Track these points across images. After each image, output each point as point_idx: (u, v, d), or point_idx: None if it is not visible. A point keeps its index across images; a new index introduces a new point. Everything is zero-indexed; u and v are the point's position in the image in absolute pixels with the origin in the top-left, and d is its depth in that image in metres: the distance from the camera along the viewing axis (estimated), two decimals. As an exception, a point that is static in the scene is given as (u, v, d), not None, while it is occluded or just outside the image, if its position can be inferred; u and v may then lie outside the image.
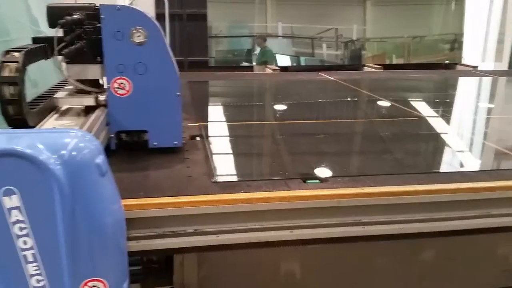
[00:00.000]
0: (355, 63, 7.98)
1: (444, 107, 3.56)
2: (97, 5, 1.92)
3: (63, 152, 1.36)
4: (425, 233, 1.78)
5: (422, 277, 2.35)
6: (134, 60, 1.91)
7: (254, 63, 7.83)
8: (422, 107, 3.41)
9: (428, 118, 3.05)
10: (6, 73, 1.64)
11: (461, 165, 2.28)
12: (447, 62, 7.78)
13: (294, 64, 8.27)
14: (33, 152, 1.32)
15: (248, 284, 2.42)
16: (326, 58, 8.52)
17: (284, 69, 5.93)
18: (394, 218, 1.74)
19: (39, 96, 2.13)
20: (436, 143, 2.63)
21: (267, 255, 2.24)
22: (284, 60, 8.34)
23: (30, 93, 2.28)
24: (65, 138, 1.40)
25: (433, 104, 3.62)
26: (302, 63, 8.48)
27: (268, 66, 6.47)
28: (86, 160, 1.39)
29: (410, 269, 2.33)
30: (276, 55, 8.25)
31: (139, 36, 1.88)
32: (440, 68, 6.18)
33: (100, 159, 1.42)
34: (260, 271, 2.37)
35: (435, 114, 3.21)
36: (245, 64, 7.92)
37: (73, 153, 1.37)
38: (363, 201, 1.70)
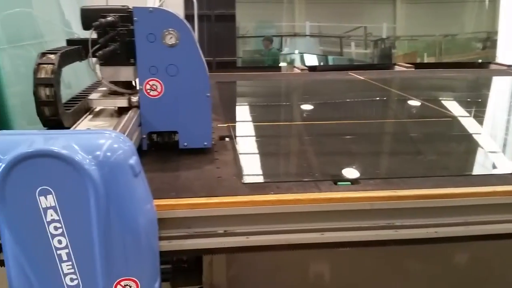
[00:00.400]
0: (385, 62, 7.85)
1: (478, 107, 3.47)
2: (130, 7, 1.95)
3: (98, 153, 1.39)
4: (459, 237, 1.73)
5: (456, 282, 2.30)
6: (166, 61, 1.93)
7: (281, 64, 7.81)
8: (455, 107, 3.33)
9: (461, 119, 2.98)
10: (42, 74, 1.68)
11: (496, 167, 2.21)
12: (480, 61, 7.57)
13: (322, 64, 8.20)
14: (69, 152, 1.34)
15: (276, 286, 2.42)
16: (355, 57, 8.41)
17: (312, 68, 5.88)
18: (428, 222, 1.70)
19: (73, 97, 2.17)
20: (470, 144, 2.56)
21: (297, 257, 2.23)
22: (312, 60, 8.27)
23: (64, 94, 2.33)
24: (99, 139, 1.43)
25: (466, 104, 3.53)
26: (330, 63, 8.39)
27: (296, 66, 6.44)
28: (120, 161, 1.41)
29: (444, 274, 2.28)
30: (304, 54, 8.19)
31: (171, 38, 1.90)
32: (473, 67, 6.01)
33: (134, 160, 1.44)
34: (289, 273, 2.37)
35: (469, 114, 3.13)
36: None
37: (107, 154, 1.39)
38: (396, 204, 1.67)
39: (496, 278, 2.32)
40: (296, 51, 8.49)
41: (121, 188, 1.40)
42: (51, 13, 2.96)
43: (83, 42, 1.99)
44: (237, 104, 3.53)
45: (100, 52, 1.87)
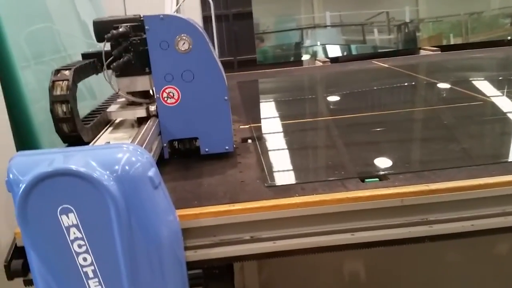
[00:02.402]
0: (409, 46, 7.64)
1: (511, 87, 3.31)
2: (142, 16, 1.92)
3: (116, 167, 1.37)
4: (498, 228, 1.64)
5: (497, 275, 2.20)
6: (181, 68, 1.90)
7: (303, 57, 7.70)
8: (486, 89, 3.18)
9: (494, 101, 2.84)
10: (57, 92, 1.67)
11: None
12: (509, 38, 7.28)
13: (345, 54, 8.05)
14: (87, 170, 1.33)
15: (310, 286, 2.37)
16: (379, 44, 8.20)
17: (334, 60, 5.77)
18: (464, 215, 1.62)
19: (93, 111, 2.17)
20: (506, 129, 2.43)
21: (330, 258, 2.17)
22: (334, 50, 8.12)
23: (91, 106, 2.34)
24: (117, 154, 1.41)
25: (498, 85, 3.37)
26: (354, 51, 8.22)
27: (317, 58, 6.34)
28: (139, 174, 1.39)
29: (483, 268, 2.19)
30: (326, 45, 8.05)
31: (184, 43, 1.87)
32: (502, 45, 5.78)
33: (152, 172, 1.42)
34: (322, 274, 2.32)
35: (502, 96, 2.98)
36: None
37: (126, 168, 1.37)
38: (429, 198, 1.59)
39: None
40: (318, 43, 8.36)
41: (142, 201, 1.38)
42: (71, 26, 2.99)
43: (97, 55, 1.99)
44: (259, 103, 3.48)
45: (114, 64, 1.85)
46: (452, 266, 2.20)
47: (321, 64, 5.20)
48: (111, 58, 1.90)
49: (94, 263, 1.39)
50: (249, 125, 2.63)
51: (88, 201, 1.34)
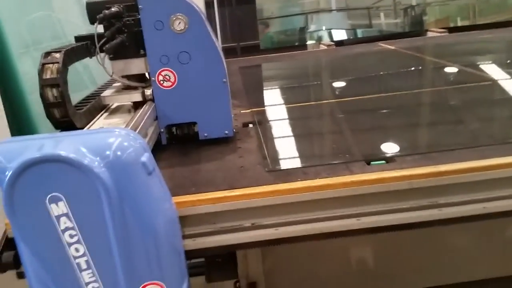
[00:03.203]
0: (416, 29, 7.48)
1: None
2: (135, -5, 1.84)
3: (107, 153, 1.30)
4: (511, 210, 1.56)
5: (508, 259, 2.12)
6: (177, 49, 1.82)
7: (308, 42, 7.57)
8: (494, 70, 3.07)
9: (502, 82, 2.73)
10: (47, 75, 1.60)
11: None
12: (518, 17, 7.10)
13: (350, 38, 7.90)
14: (76, 156, 1.26)
15: (316, 275, 2.30)
16: (385, 28, 8.05)
17: (339, 43, 5.64)
18: (474, 197, 1.54)
19: (87, 97, 2.10)
20: (517, 108, 2.34)
21: (336, 244, 2.10)
22: (340, 35, 7.97)
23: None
24: (108, 138, 1.34)
25: (506, 66, 3.26)
26: (359, 36, 8.08)
27: (322, 42, 6.21)
28: (132, 159, 1.32)
29: (495, 251, 2.11)
30: (332, 30, 7.92)
31: (179, 23, 1.79)
32: (510, 25, 5.62)
33: (146, 157, 1.34)
34: (329, 260, 2.25)
35: (510, 76, 2.87)
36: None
37: (117, 153, 1.30)
38: (438, 180, 1.51)
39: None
40: (323, 28, 8.22)
41: (135, 188, 1.31)
42: (72, 13, 2.93)
43: (91, 37, 1.91)
44: (261, 88, 3.39)
45: (107, 46, 1.78)
46: (462, 251, 2.12)
47: (325, 47, 5.08)
48: (104, 40, 1.82)
49: (87, 253, 1.33)
50: (250, 110, 2.55)
51: (78, 189, 1.27)
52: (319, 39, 7.57)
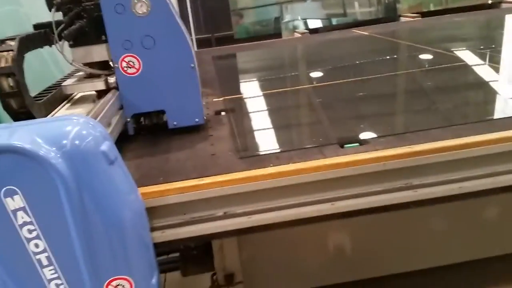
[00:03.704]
0: (390, 15, 7.49)
1: (491, 48, 3.19)
2: (94, -22, 1.75)
3: (64, 142, 1.22)
4: (487, 190, 1.54)
5: (487, 238, 2.11)
6: (140, 34, 1.73)
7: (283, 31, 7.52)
8: (466, 52, 3.07)
9: (474, 63, 2.72)
10: (2, 64, 1.50)
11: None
12: (490, 1, 7.16)
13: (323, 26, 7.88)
14: (31, 146, 1.18)
15: (294, 263, 2.26)
16: (360, 17, 8.06)
17: (314, 31, 5.59)
18: (450, 177, 1.51)
19: (49, 87, 2.00)
20: (489, 88, 2.32)
21: (313, 230, 2.06)
22: (315, 24, 7.95)
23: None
24: (65, 127, 1.26)
25: (478, 47, 3.26)
26: (334, 24, 8.06)
27: (296, 30, 6.16)
28: (91, 148, 1.24)
29: (472, 231, 2.10)
30: (307, 20, 7.89)
31: (141, 6, 1.70)
32: (483, 8, 5.65)
33: (106, 145, 1.27)
34: (306, 248, 2.21)
35: (482, 57, 2.87)
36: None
37: (75, 142, 1.23)
38: (413, 161, 1.47)
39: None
40: (299, 17, 8.19)
41: (96, 179, 1.24)
42: (40, 8, 2.83)
43: (50, 25, 1.81)
44: (234, 76, 3.32)
45: (65, 31, 1.68)
46: (441, 234, 2.11)
47: (300, 35, 5.02)
48: (62, 26, 1.73)
49: (48, 249, 1.26)
50: (223, 98, 2.48)
51: (35, 181, 1.20)
52: (294, 29, 7.53)
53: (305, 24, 7.98)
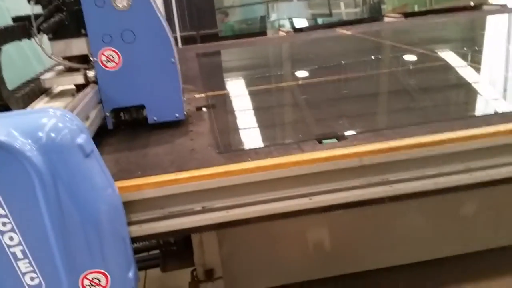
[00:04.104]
0: (374, 15, 7.56)
1: (472, 49, 3.25)
2: (73, -29, 1.74)
3: (40, 134, 1.21)
4: (463, 185, 1.56)
5: (462, 233, 2.15)
6: (120, 27, 1.72)
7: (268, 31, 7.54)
8: (448, 52, 3.11)
9: (455, 63, 2.77)
10: (-23, 56, 1.48)
11: (499, 107, 2.01)
12: (472, 3, 7.28)
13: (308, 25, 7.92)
14: (6, 138, 1.17)
15: (275, 258, 2.27)
16: (345, 17, 8.14)
17: (298, 30, 5.62)
18: (425, 173, 1.53)
19: (28, 80, 1.99)
20: (467, 87, 2.36)
21: (293, 225, 2.07)
22: (301, 24, 7.99)
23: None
24: (41, 119, 1.25)
25: (460, 47, 3.31)
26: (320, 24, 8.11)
27: (281, 29, 6.18)
28: (67, 141, 1.24)
29: (448, 227, 2.13)
30: (293, 19, 7.93)
31: (122, 0, 1.69)
32: (465, 10, 5.74)
33: (83, 138, 1.26)
34: (287, 242, 2.22)
35: (462, 58, 2.92)
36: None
37: (51, 135, 1.22)
38: (389, 156, 1.49)
39: (507, 224, 2.16)
40: (285, 16, 8.22)
41: (71, 172, 1.23)
42: (21, 4, 2.79)
43: (29, 18, 1.79)
44: (217, 73, 3.32)
45: (44, 24, 1.67)
46: (417, 228, 2.14)
47: (284, 34, 5.04)
48: (42, 20, 1.71)
49: (22, 242, 1.24)
50: (205, 94, 2.48)
51: (10, 174, 1.19)
52: (280, 28, 7.56)
53: (291, 23, 8.02)
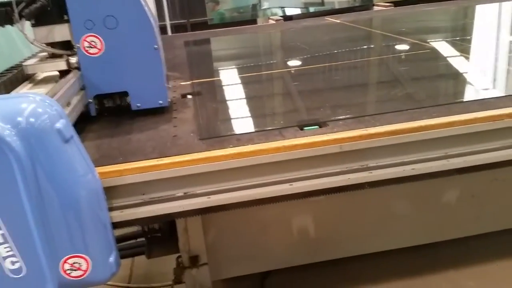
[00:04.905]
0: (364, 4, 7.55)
1: (459, 36, 3.26)
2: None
3: (19, 119, 1.22)
4: (441, 171, 1.59)
5: (442, 219, 2.18)
6: (102, 13, 1.72)
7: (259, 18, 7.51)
8: (434, 40, 3.13)
9: (442, 51, 2.79)
10: (-43, 41, 1.47)
11: (479, 94, 2.03)
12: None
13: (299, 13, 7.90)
14: (-16, 123, 1.17)
15: (260, 244, 2.30)
16: (338, 6, 8.11)
17: (288, 18, 5.61)
18: (404, 159, 1.56)
19: (12, 67, 1.97)
20: (451, 75, 2.38)
21: (277, 211, 2.10)
22: (292, 12, 7.96)
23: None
24: (21, 104, 1.26)
25: (444, 36, 3.33)
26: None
27: (270, 17, 6.16)
28: (46, 126, 1.24)
29: (427, 213, 2.16)
30: (285, 8, 7.90)
31: (104, -15, 1.69)
32: (454, -1, 5.76)
33: (62, 123, 1.27)
34: (272, 229, 2.24)
35: (448, 45, 2.93)
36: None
37: (30, 119, 1.23)
38: (368, 143, 1.51)
39: (484, 210, 2.20)
40: (276, 5, 8.18)
41: (50, 157, 1.24)
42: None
43: (11, 3, 1.78)
44: (204, 60, 3.31)
45: (26, 10, 1.66)
46: (400, 216, 2.17)
47: (274, 22, 5.03)
48: (23, 5, 1.70)
49: (2, 226, 1.25)
50: (191, 82, 2.48)
51: (-12, 159, 1.19)
52: (273, 15, 7.52)
53: (283, 11, 7.98)
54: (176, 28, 7.02)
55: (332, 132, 1.55)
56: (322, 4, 8.22)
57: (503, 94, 1.93)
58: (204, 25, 6.84)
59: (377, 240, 2.25)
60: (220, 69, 2.92)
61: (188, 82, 2.47)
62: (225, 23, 6.90)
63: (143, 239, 2.68)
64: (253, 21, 7.03)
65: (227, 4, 8.08)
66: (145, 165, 1.46)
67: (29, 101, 1.26)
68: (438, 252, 2.41)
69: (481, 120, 1.56)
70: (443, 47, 2.85)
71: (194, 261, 2.18)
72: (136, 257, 2.87)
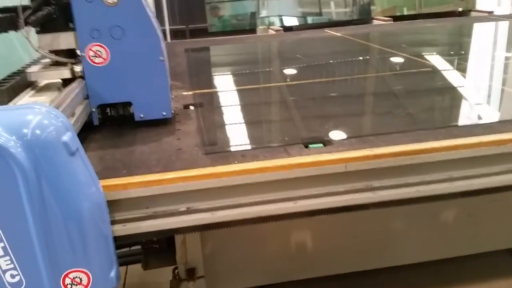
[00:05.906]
0: (363, 17, 7.61)
1: (459, 55, 3.29)
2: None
3: (24, 131, 1.20)
4: (445, 194, 1.59)
5: (443, 240, 2.19)
6: (108, 23, 1.71)
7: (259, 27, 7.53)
8: (435, 57, 3.15)
9: (442, 68, 2.81)
10: (-39, 47, 1.46)
11: (482, 118, 2.05)
12: (460, 9, 7.36)
13: (300, 24, 7.93)
14: (-11, 134, 1.15)
15: (257, 260, 2.29)
16: (335, 17, 8.16)
17: (288, 29, 5.63)
18: (409, 181, 1.55)
19: (14, 73, 1.95)
20: (453, 95, 2.40)
21: (276, 228, 2.09)
22: (291, 21, 8.00)
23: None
24: (27, 116, 1.24)
25: (446, 53, 3.36)
26: (309, 22, 8.13)
27: (270, 27, 6.18)
28: (52, 138, 1.22)
29: (429, 234, 2.17)
30: (283, 17, 7.93)
31: (111, -5, 1.68)
32: (453, 15, 5.82)
33: (68, 136, 1.25)
34: (269, 245, 2.24)
35: (449, 63, 2.96)
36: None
37: (36, 131, 1.21)
38: (373, 163, 1.51)
39: (485, 233, 2.21)
40: (274, 14, 8.21)
41: (56, 170, 1.22)
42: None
43: (16, 9, 1.76)
44: (205, 70, 3.31)
45: (32, 17, 1.65)
46: (398, 233, 2.17)
47: (274, 32, 5.04)
48: (30, 12, 1.68)
49: (4, 239, 1.23)
50: (193, 92, 2.47)
51: (-8, 170, 1.17)
52: (269, 25, 7.55)
53: (281, 21, 8.02)
54: (175, 34, 7.02)
55: (337, 151, 1.54)
56: (320, 14, 8.28)
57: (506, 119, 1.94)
58: (203, 32, 6.85)
59: (375, 257, 2.25)
60: (221, 80, 2.91)
61: (190, 93, 2.46)
62: (224, 31, 6.90)
63: (138, 247, 2.67)
64: (252, 30, 7.04)
65: (227, 10, 8.10)
66: (150, 179, 1.45)
67: (35, 113, 1.24)
68: (440, 270, 2.41)
69: (486, 144, 1.57)
70: (447, 65, 2.87)
71: (191, 273, 2.17)
72: (130, 266, 2.85)
